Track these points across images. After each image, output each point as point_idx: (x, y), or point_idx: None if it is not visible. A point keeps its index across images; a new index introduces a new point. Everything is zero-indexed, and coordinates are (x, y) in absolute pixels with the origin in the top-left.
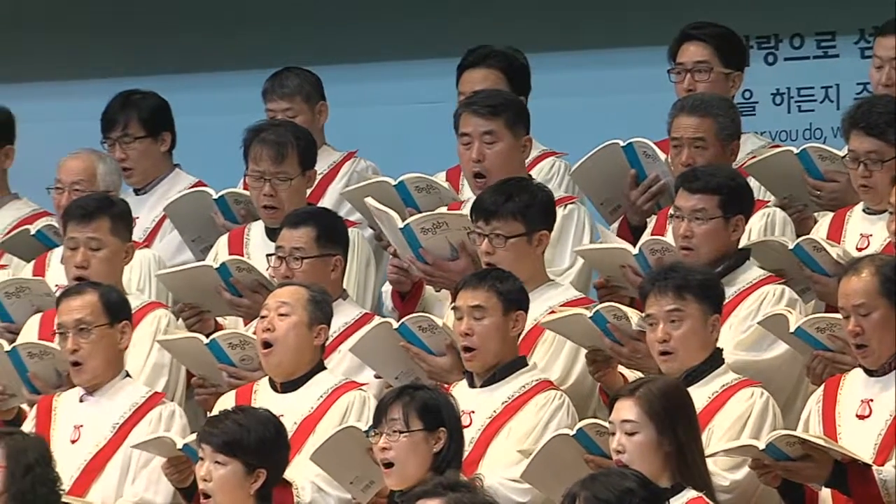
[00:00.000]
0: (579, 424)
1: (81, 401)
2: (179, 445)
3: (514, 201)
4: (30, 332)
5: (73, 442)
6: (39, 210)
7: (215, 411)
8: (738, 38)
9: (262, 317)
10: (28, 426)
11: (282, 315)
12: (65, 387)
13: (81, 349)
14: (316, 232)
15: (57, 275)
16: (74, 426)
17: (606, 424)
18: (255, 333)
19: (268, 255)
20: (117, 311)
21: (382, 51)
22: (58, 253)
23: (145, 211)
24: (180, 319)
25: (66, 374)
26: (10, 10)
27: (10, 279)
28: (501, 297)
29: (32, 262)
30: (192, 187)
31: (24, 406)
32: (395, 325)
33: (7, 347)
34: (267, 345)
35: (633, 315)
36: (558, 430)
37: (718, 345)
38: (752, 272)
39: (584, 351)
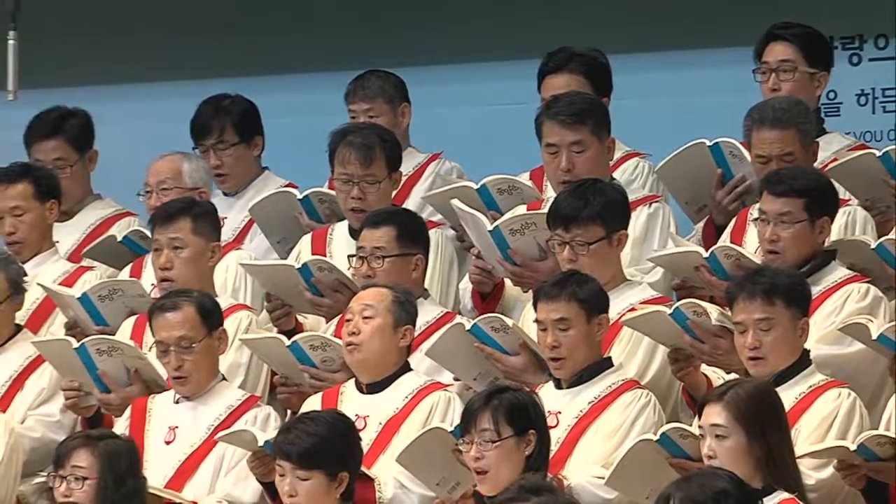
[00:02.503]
0: (663, 429)
1: (177, 402)
2: (261, 442)
3: (592, 205)
4: (123, 336)
5: (167, 443)
6: (122, 210)
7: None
8: (824, 39)
9: (347, 320)
10: (121, 427)
11: (366, 318)
12: (134, 385)
13: (185, 364)
14: (396, 231)
15: (151, 278)
16: (169, 427)
17: (690, 428)
18: (334, 333)
19: (349, 256)
20: (214, 319)
21: (466, 52)
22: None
23: (234, 212)
24: (263, 313)
25: (134, 371)
26: (94, 14)
27: (102, 282)
28: (583, 304)
29: (129, 267)
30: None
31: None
32: (468, 326)
33: (76, 344)
34: (351, 345)
35: (713, 311)
36: (642, 436)
37: None
38: (838, 272)
39: (661, 348)
